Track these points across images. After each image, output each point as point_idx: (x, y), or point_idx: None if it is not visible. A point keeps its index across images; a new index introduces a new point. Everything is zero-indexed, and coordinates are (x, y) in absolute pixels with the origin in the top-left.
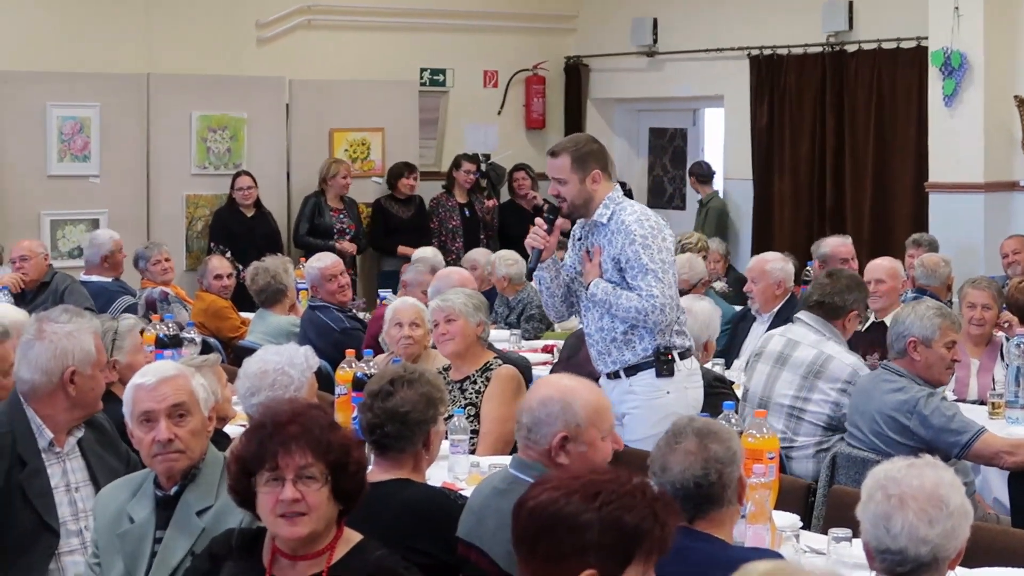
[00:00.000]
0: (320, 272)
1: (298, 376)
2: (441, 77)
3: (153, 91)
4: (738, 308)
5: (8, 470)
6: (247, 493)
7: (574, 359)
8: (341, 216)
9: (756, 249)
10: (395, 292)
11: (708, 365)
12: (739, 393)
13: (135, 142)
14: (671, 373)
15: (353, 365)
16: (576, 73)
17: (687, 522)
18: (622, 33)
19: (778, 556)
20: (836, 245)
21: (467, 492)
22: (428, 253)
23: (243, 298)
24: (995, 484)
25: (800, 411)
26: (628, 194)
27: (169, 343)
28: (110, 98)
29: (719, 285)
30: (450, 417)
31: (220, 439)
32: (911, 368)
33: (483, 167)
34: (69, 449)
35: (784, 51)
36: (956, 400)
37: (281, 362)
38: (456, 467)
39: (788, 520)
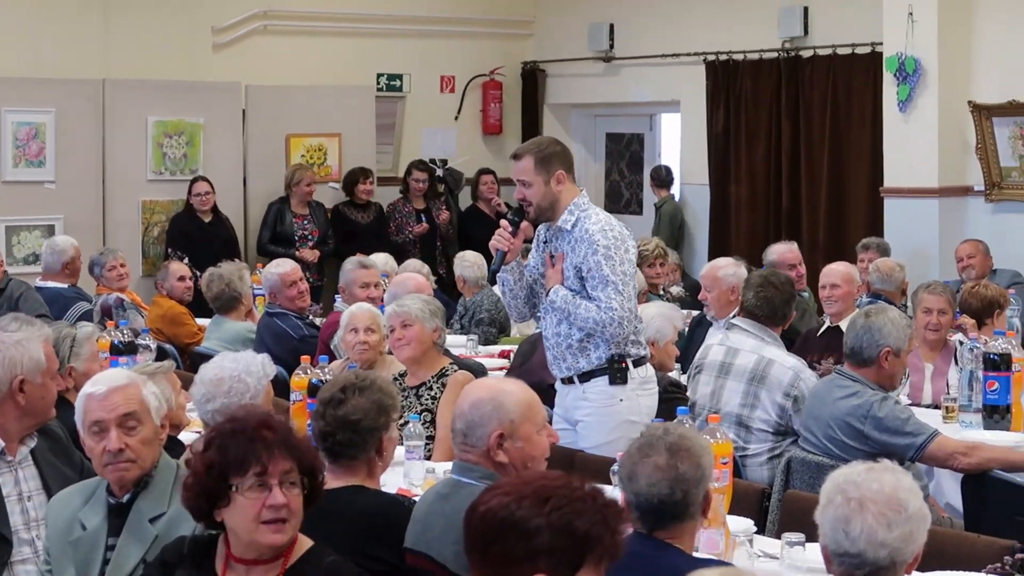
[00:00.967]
0: (280, 278)
1: (254, 384)
2: (398, 82)
3: (109, 96)
4: (694, 313)
5: None
6: (217, 500)
7: (526, 365)
8: (304, 222)
9: (713, 254)
10: None
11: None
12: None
13: (91, 147)
14: (624, 381)
15: (308, 371)
16: (533, 78)
17: (647, 531)
18: (579, 38)
19: (732, 567)
20: (783, 252)
21: None
22: (380, 260)
23: (200, 304)
24: (948, 488)
25: (748, 419)
26: None
27: (124, 350)
28: (66, 103)
29: (676, 290)
30: (405, 423)
31: (174, 446)
32: (874, 376)
33: (440, 172)
34: (21, 458)
35: (740, 56)
36: (911, 404)
37: (238, 369)
38: (411, 473)
39: (742, 525)
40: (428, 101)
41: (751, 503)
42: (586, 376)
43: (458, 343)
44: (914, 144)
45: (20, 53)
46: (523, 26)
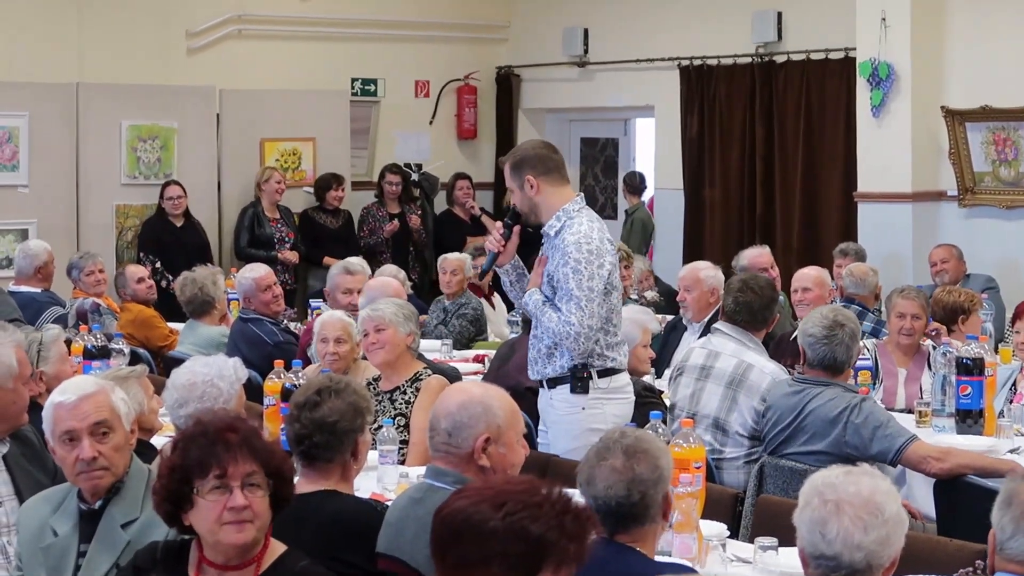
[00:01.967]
0: (254, 282)
1: (227, 388)
2: (372, 87)
3: (82, 100)
4: (669, 317)
5: None
6: (180, 503)
7: (503, 369)
8: (279, 225)
9: (687, 258)
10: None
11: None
12: (668, 403)
13: (64, 151)
14: (585, 391)
15: (282, 376)
16: (507, 83)
17: (608, 535)
18: (553, 43)
19: (693, 571)
20: (754, 256)
21: None
22: (353, 261)
23: (174, 308)
24: (919, 493)
25: (725, 422)
26: None
27: (97, 354)
28: (39, 107)
29: (650, 295)
30: (379, 428)
31: (146, 451)
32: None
33: (415, 177)
34: None
35: (714, 61)
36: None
37: (210, 374)
38: (385, 477)
39: (715, 529)
40: (403, 105)
41: (724, 507)
42: (552, 382)
43: (432, 347)
44: (887, 149)
45: None
46: (498, 31)
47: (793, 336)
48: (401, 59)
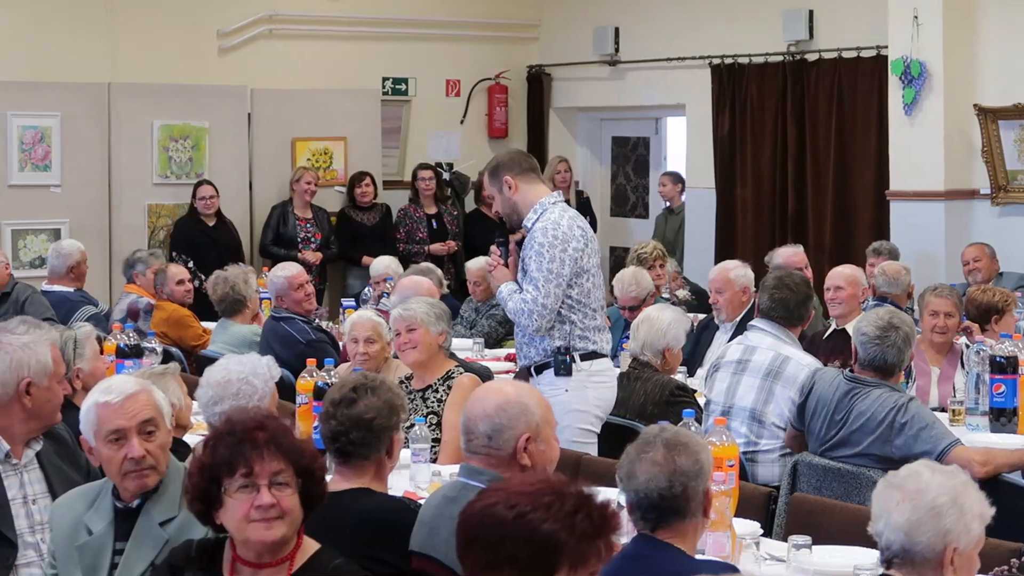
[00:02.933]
0: (286, 281)
1: (261, 386)
2: (403, 86)
3: (114, 100)
4: (701, 317)
5: None
6: (211, 502)
7: None
8: (307, 225)
9: (719, 257)
10: (358, 305)
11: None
12: (700, 402)
13: (96, 151)
14: (568, 373)
15: (314, 374)
16: (538, 82)
17: (650, 531)
18: (584, 42)
19: (734, 569)
20: (788, 255)
21: None
22: (383, 263)
23: (206, 307)
24: None
25: (761, 414)
26: (586, 202)
27: (130, 352)
28: (71, 107)
29: (682, 294)
30: (411, 426)
31: (180, 448)
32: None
33: (447, 176)
34: (27, 461)
35: (745, 60)
36: None
37: (245, 371)
38: (418, 476)
39: (748, 527)
40: (434, 105)
41: (758, 506)
42: (539, 368)
43: (464, 346)
44: (920, 147)
45: (26, 57)
46: (528, 30)
47: (826, 335)
48: (432, 58)
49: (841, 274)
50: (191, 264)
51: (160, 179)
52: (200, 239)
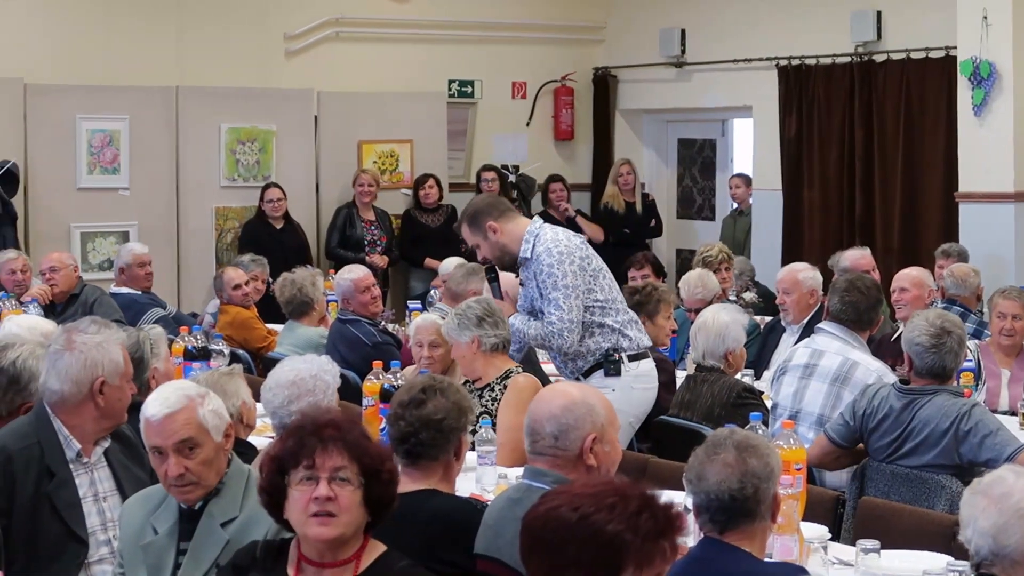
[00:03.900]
0: (353, 284)
1: (332, 381)
2: (469, 88)
3: (182, 103)
4: (767, 319)
5: (36, 481)
6: (277, 494)
7: None
8: (372, 228)
9: (785, 259)
10: (424, 307)
11: (737, 376)
12: (767, 404)
13: (164, 154)
14: (618, 373)
15: (381, 377)
16: (604, 84)
17: (718, 533)
18: (650, 43)
19: (804, 572)
20: (856, 258)
21: None
22: (451, 263)
23: (274, 310)
24: None
25: (829, 419)
26: (652, 205)
27: (198, 355)
28: (140, 110)
29: (748, 296)
30: (475, 430)
31: (246, 450)
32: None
33: (513, 179)
34: (96, 459)
35: (812, 61)
36: None
37: (314, 369)
38: (484, 478)
39: (816, 531)
40: (499, 107)
41: (825, 509)
42: (587, 373)
43: None
44: (989, 148)
45: (95, 61)
46: (595, 32)
47: (894, 337)
48: (498, 60)
49: (907, 276)
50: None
51: (227, 182)
52: (267, 241)
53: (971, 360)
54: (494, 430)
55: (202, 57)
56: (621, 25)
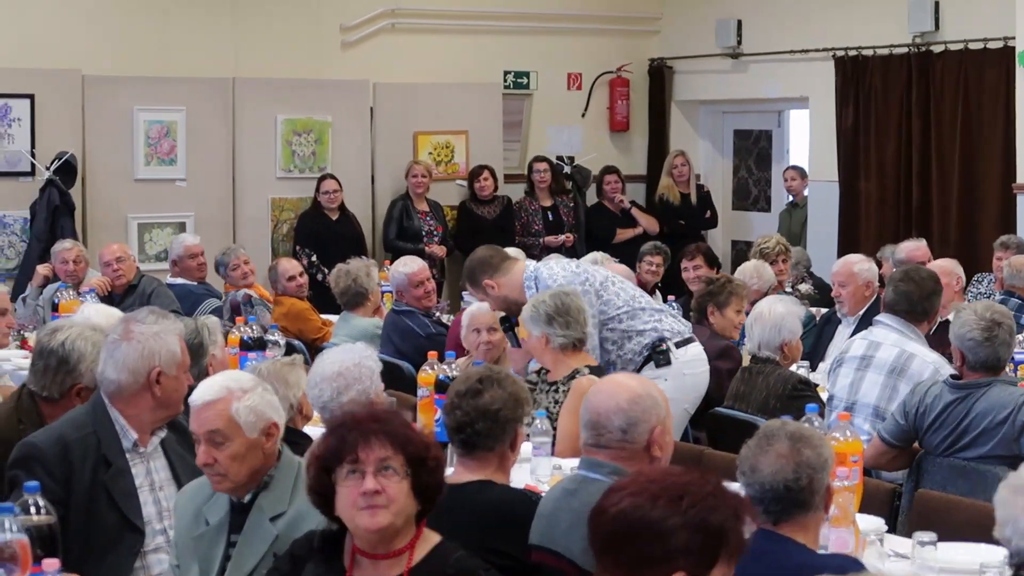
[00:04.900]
0: (407, 277)
1: (375, 366)
2: (525, 80)
3: (239, 95)
4: (823, 311)
5: (93, 470)
6: (326, 492)
7: None
8: (428, 219)
9: (842, 251)
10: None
11: (793, 368)
12: (823, 396)
13: (221, 146)
14: (668, 362)
15: (435, 367)
16: (660, 75)
17: (772, 525)
18: (706, 35)
19: (859, 564)
20: (911, 249)
21: None
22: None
23: (329, 300)
24: None
25: (885, 411)
26: (707, 196)
27: (253, 345)
28: (196, 102)
29: (804, 288)
30: (531, 421)
31: (300, 440)
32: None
33: (568, 170)
34: (152, 449)
35: (869, 52)
36: None
37: (356, 357)
38: (538, 469)
39: (872, 524)
40: (555, 98)
41: (882, 502)
42: (638, 371)
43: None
44: None
45: (152, 53)
46: (650, 23)
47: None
48: (553, 52)
49: (938, 267)
50: (314, 257)
51: (283, 173)
52: (323, 233)
53: None
54: (550, 422)
55: (258, 48)
56: (677, 16)
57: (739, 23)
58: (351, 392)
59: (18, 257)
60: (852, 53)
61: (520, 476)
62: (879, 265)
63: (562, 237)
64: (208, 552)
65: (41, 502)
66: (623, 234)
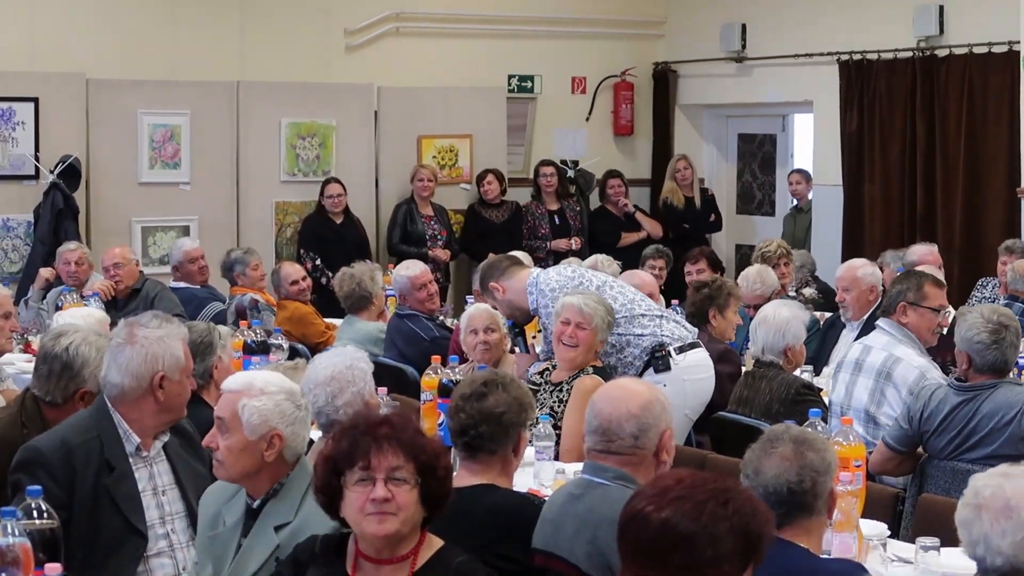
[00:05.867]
0: (409, 281)
1: (367, 368)
2: (529, 83)
3: (243, 98)
4: (827, 315)
5: (96, 474)
6: (333, 494)
7: None
8: (432, 223)
9: (846, 255)
10: None
11: (796, 372)
12: (826, 401)
13: (225, 149)
14: (667, 368)
15: (439, 371)
16: (664, 79)
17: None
18: (711, 39)
19: (862, 569)
20: (923, 253)
21: None
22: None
23: (334, 304)
24: None
25: (875, 414)
26: (711, 200)
27: (257, 349)
28: (201, 105)
29: (808, 292)
30: (534, 424)
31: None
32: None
33: (571, 174)
34: (155, 453)
35: (874, 56)
36: None
37: (347, 360)
38: (541, 473)
39: (875, 529)
40: (559, 102)
41: (885, 507)
42: (639, 376)
43: None
44: None
45: (156, 56)
46: (655, 27)
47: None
48: (558, 55)
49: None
50: (318, 261)
51: (288, 176)
52: (328, 236)
53: None
54: (553, 426)
55: (263, 52)
56: (681, 20)
57: (743, 27)
58: (345, 395)
59: (22, 260)
60: (856, 57)
61: (523, 480)
62: (880, 271)
63: (569, 241)
64: (221, 552)
65: (44, 506)
66: (627, 238)
